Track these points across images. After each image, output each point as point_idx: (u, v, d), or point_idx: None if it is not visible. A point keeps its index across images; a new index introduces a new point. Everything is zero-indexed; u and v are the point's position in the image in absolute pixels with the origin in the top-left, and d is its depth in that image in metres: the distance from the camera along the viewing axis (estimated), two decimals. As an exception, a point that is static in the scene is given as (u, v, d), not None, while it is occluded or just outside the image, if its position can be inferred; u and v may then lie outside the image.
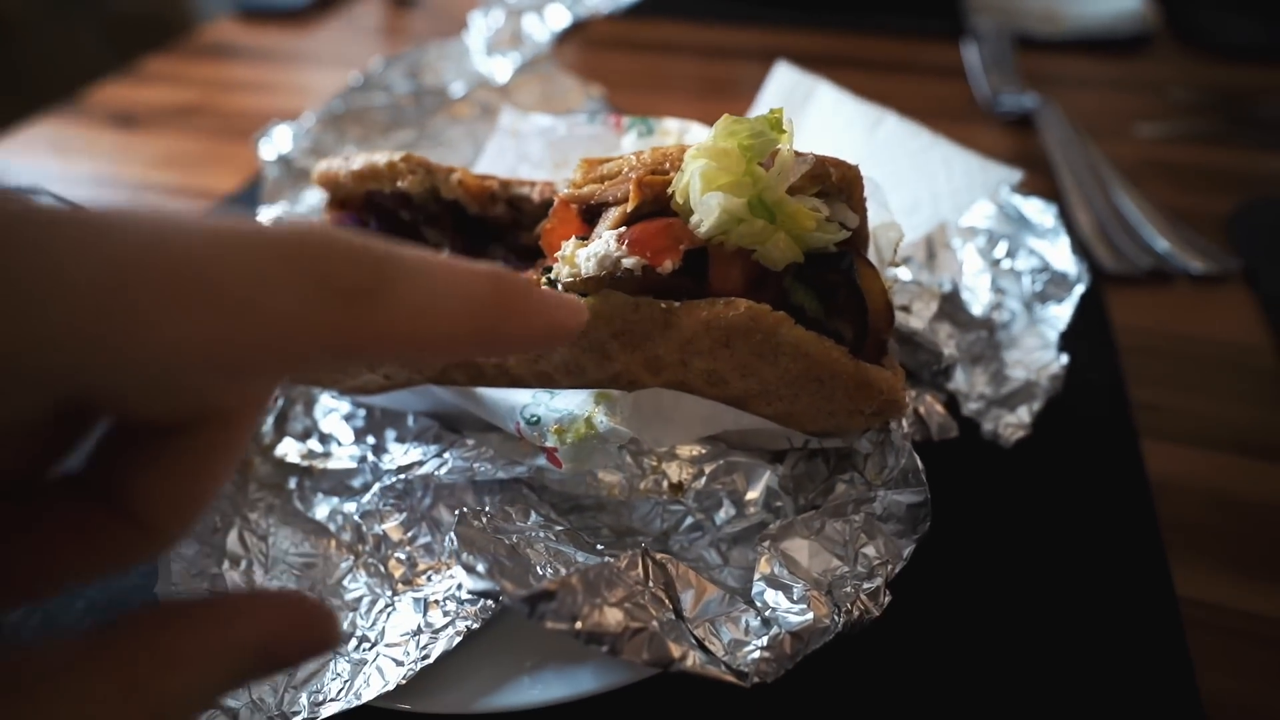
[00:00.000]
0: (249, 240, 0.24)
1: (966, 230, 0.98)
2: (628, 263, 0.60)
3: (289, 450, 0.82)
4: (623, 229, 0.62)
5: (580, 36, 1.87)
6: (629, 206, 0.63)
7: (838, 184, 0.67)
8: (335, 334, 0.26)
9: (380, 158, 0.77)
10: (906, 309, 0.80)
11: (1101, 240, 1.19)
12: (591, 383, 0.68)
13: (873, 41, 1.89)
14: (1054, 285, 0.91)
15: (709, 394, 0.68)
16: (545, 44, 1.46)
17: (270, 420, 0.85)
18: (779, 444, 0.74)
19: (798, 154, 0.62)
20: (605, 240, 0.61)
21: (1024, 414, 0.83)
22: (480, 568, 0.54)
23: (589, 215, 0.69)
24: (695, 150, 0.60)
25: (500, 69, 1.43)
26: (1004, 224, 0.96)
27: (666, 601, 0.60)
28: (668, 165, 0.66)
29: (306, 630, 0.29)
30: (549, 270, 0.66)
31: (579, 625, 0.50)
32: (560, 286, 0.63)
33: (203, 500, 0.31)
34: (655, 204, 0.65)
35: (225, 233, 0.24)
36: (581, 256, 0.62)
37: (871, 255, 0.74)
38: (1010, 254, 0.95)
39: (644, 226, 0.62)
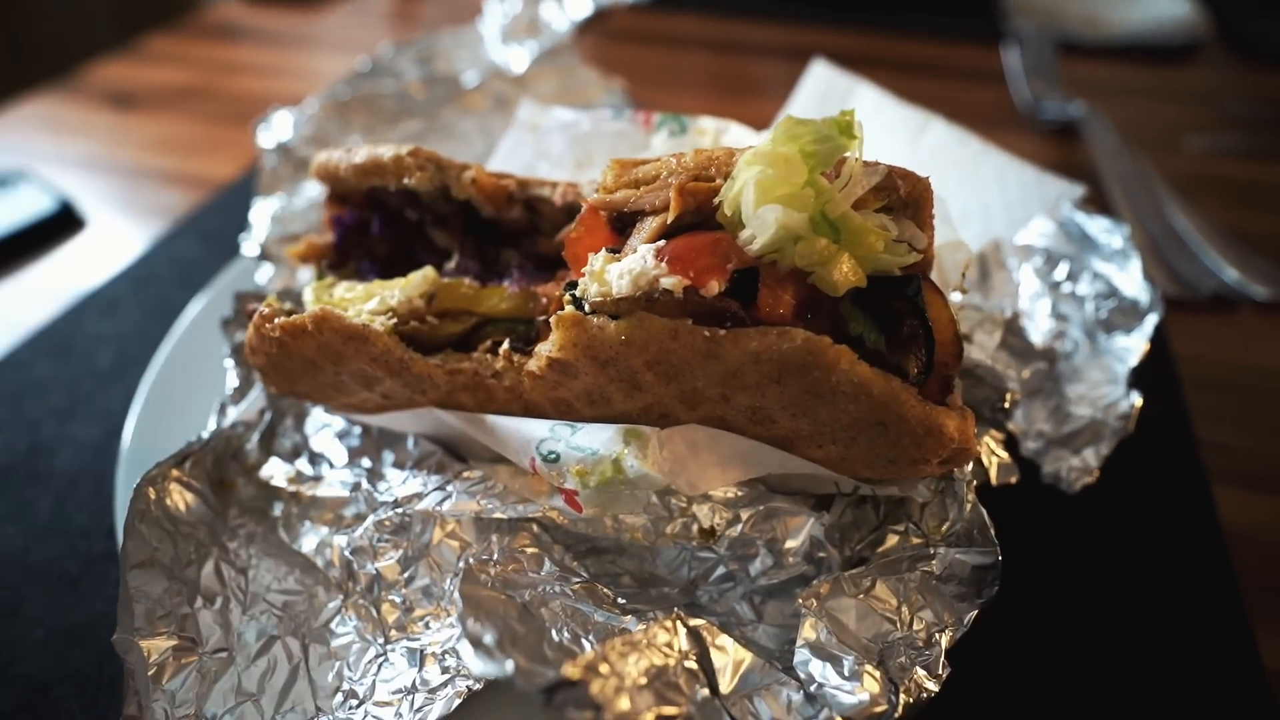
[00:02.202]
0: None
1: (1022, 249, 0.90)
2: (667, 283, 0.52)
3: (275, 472, 0.74)
4: (661, 243, 0.54)
5: (594, 27, 1.78)
6: (669, 217, 0.55)
7: (905, 199, 0.58)
8: None
9: (386, 151, 0.69)
10: (967, 338, 0.72)
11: (1158, 262, 1.11)
12: (617, 414, 0.60)
13: (903, 42, 1.81)
14: (1121, 313, 0.82)
15: (751, 432, 0.60)
16: (564, 33, 1.37)
17: (256, 437, 0.77)
18: (825, 488, 0.66)
19: (866, 163, 0.54)
20: (641, 255, 0.53)
21: (1090, 457, 0.75)
22: (488, 639, 0.46)
23: (620, 224, 0.61)
24: (751, 155, 0.52)
25: (516, 58, 1.35)
26: (1065, 243, 0.88)
27: (701, 675, 0.52)
28: (713, 171, 0.58)
29: None
30: (574, 286, 0.58)
31: (605, 717, 0.42)
32: (587, 306, 0.55)
33: None
34: (698, 214, 0.57)
35: None
36: (614, 273, 0.54)
37: (933, 278, 0.66)
38: (1072, 277, 0.86)
39: (686, 241, 0.54)
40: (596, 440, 0.58)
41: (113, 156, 1.58)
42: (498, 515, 0.63)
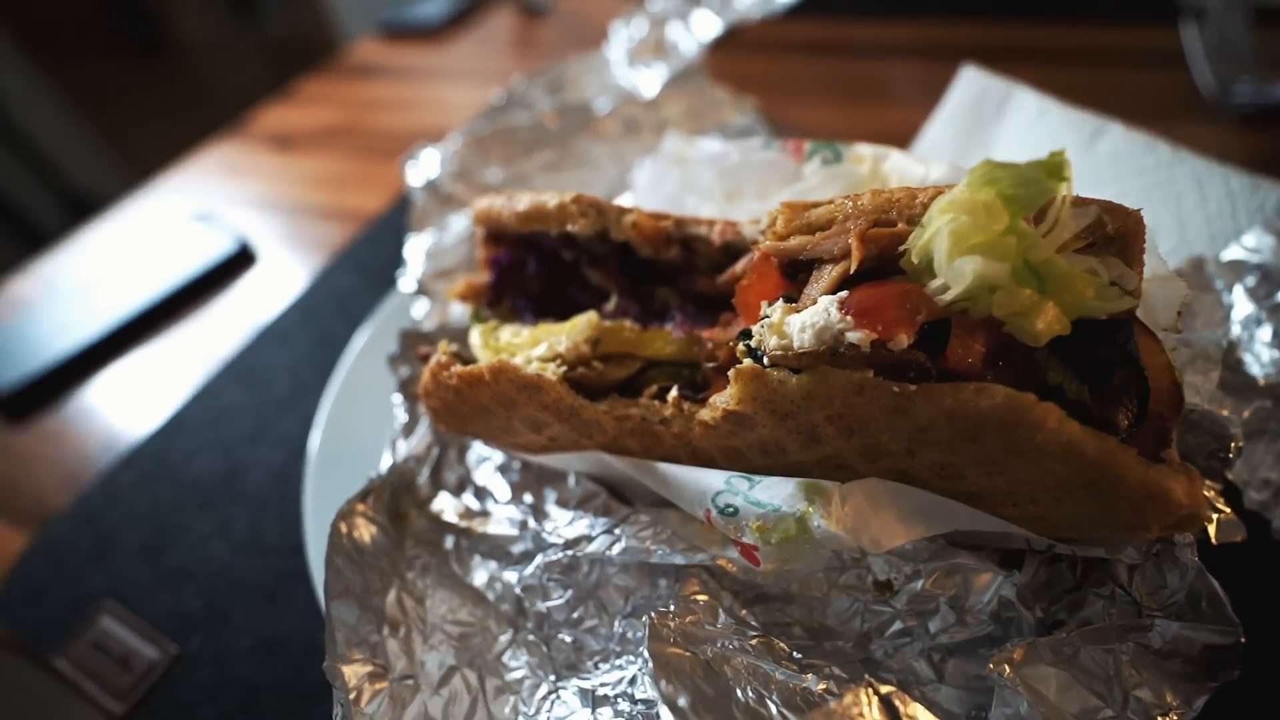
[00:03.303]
0: None
1: (1230, 267, 0.79)
2: (853, 337, 0.49)
3: (445, 507, 0.78)
4: (844, 293, 0.52)
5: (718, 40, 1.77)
6: (851, 266, 0.53)
7: (1112, 235, 0.53)
8: None
9: (550, 199, 0.71)
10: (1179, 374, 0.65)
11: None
12: (793, 466, 0.58)
13: (1053, 28, 1.66)
14: (1365, 341, 0.71)
15: (936, 486, 0.56)
16: (693, 54, 1.37)
17: (426, 471, 0.81)
18: (1013, 543, 0.61)
19: (1076, 203, 0.49)
20: (824, 309, 0.51)
21: (1333, 511, 0.65)
22: (682, 702, 0.46)
23: (792, 270, 0.59)
24: (946, 203, 0.48)
25: (645, 81, 1.36)
26: (1286, 260, 0.77)
27: (895, 750, 0.49)
28: (894, 214, 0.55)
29: None
30: (747, 335, 0.57)
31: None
32: (765, 359, 0.54)
33: None
34: (878, 260, 0.55)
35: None
36: (794, 326, 0.52)
37: (1140, 316, 0.59)
38: (1297, 298, 0.75)
39: (871, 292, 0.51)
40: (777, 496, 0.56)
41: (278, 195, 1.74)
42: (666, 560, 0.63)
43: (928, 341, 0.51)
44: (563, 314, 0.77)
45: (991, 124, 1.06)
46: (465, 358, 0.72)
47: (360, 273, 1.41)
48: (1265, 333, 0.74)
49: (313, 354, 1.24)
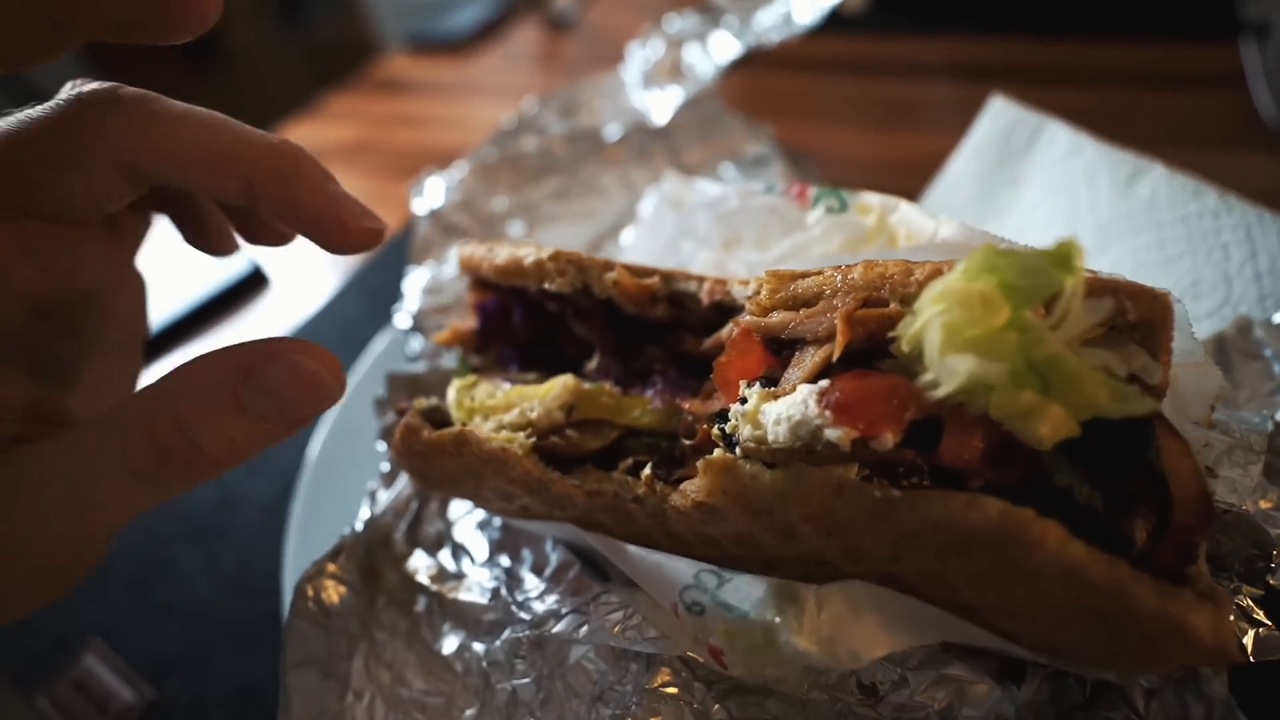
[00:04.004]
0: None
1: (1281, 331, 0.72)
2: (832, 435, 0.44)
3: (420, 567, 0.75)
4: (824, 383, 0.47)
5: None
6: (835, 352, 0.48)
7: (1135, 322, 0.47)
8: None
9: (527, 255, 0.67)
10: (1211, 471, 0.58)
11: None
12: (772, 559, 0.54)
13: (1097, 46, 1.56)
14: None
15: (924, 594, 0.51)
16: (709, 78, 1.32)
17: (404, 526, 0.79)
18: (1015, 653, 0.55)
19: (1093, 291, 0.44)
20: (803, 400, 0.46)
21: (1394, 625, 0.57)
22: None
23: (777, 345, 0.54)
24: (938, 292, 0.43)
25: (658, 106, 1.31)
26: (1347, 326, 0.69)
27: None
28: (886, 292, 0.49)
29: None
30: (724, 418, 0.52)
31: None
32: (738, 449, 0.49)
33: None
34: (868, 341, 0.49)
35: None
36: (769, 416, 0.47)
37: (1167, 408, 0.53)
38: (1358, 371, 0.67)
39: (856, 384, 0.46)
40: (746, 599, 0.51)
41: (296, 213, 1.74)
42: (636, 649, 0.59)
43: (919, 436, 0.46)
44: (549, 365, 0.74)
45: (1021, 160, 0.99)
46: (441, 416, 0.69)
47: (367, 299, 1.40)
48: (1320, 410, 0.66)
49: (315, 382, 1.23)
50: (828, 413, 0.45)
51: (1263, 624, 0.55)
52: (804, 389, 0.47)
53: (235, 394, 0.44)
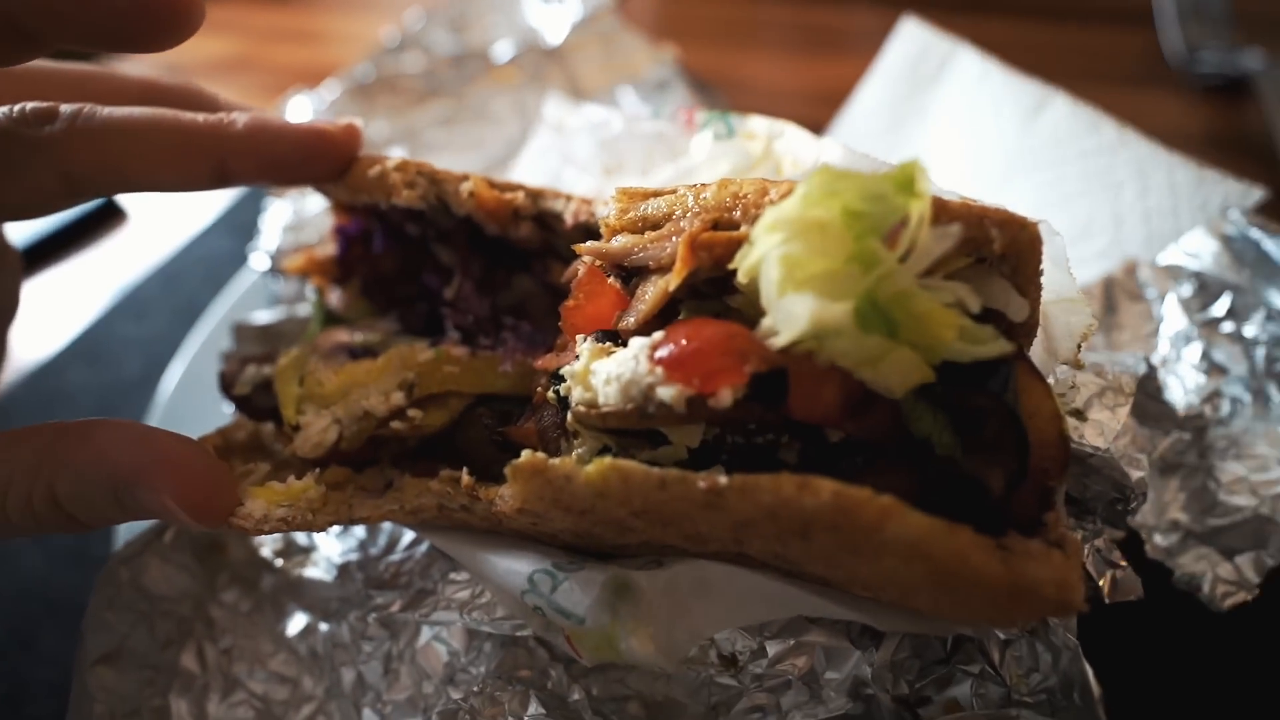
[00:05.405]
0: None
1: (1166, 272, 0.70)
2: (665, 394, 0.39)
3: (265, 540, 0.67)
4: (658, 335, 0.41)
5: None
6: (672, 282, 0.42)
7: (1001, 252, 0.43)
8: None
9: (375, 167, 0.58)
10: (1080, 414, 0.56)
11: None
12: (612, 546, 0.49)
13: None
14: (1306, 368, 0.63)
15: (776, 571, 0.47)
16: (610, -9, 1.20)
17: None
18: (871, 622, 0.52)
19: (939, 216, 0.39)
20: (634, 355, 0.40)
21: (1247, 566, 0.58)
22: None
23: (626, 276, 0.48)
24: (773, 221, 0.37)
25: (554, 24, 1.19)
26: (1230, 267, 0.68)
27: None
28: (739, 214, 0.43)
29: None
30: (558, 380, 0.46)
31: None
32: (570, 415, 0.43)
33: None
34: (717, 269, 0.43)
35: None
36: (599, 376, 0.41)
37: (1037, 347, 0.50)
38: (1236, 313, 0.66)
39: (691, 333, 0.40)
40: (580, 604, 0.45)
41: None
42: (485, 630, 0.54)
43: (768, 388, 0.41)
44: (414, 302, 0.66)
45: (930, 86, 0.94)
46: (269, 403, 0.61)
47: (236, 235, 1.25)
48: (1193, 352, 0.66)
49: (172, 330, 1.10)
50: (659, 369, 0.39)
51: (1119, 566, 0.54)
52: (635, 342, 0.41)
53: None
